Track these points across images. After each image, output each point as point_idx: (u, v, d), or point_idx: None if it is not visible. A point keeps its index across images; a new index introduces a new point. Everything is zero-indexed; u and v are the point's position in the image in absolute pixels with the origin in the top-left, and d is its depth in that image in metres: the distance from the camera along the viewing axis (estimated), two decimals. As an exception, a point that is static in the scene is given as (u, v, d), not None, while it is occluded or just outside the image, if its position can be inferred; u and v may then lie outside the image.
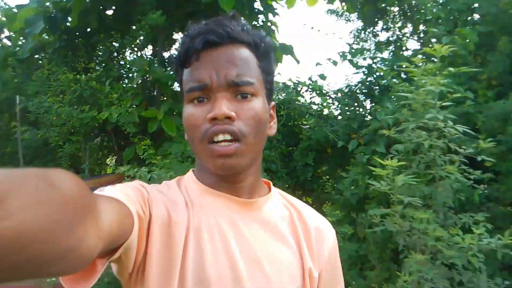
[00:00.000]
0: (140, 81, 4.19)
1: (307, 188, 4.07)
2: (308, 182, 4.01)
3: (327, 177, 4.19)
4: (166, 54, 4.57)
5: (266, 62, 0.68)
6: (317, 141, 3.69)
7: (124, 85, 4.25)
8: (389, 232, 2.09)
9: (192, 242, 0.62)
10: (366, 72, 3.83)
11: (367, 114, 3.58)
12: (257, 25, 4.78)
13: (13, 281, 0.33)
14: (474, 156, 2.06)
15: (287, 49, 5.25)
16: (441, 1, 4.23)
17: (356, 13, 5.93)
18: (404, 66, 2.44)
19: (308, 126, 4.12)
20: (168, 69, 4.23)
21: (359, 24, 6.07)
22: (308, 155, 3.81)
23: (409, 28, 5.41)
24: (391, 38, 5.51)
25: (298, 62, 5.50)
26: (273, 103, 0.73)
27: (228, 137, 0.61)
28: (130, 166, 3.23)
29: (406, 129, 2.10)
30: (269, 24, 5.16)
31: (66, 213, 0.33)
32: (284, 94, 4.23)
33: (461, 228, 1.92)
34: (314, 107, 3.98)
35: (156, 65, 4.06)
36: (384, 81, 3.50)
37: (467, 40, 3.35)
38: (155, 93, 4.45)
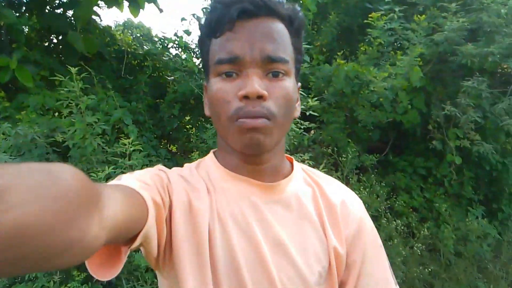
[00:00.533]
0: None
1: (172, 137, 4.42)
2: (174, 132, 4.35)
3: (190, 126, 4.59)
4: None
5: (298, 40, 0.66)
6: (182, 93, 4.00)
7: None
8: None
9: (217, 228, 0.61)
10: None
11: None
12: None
13: (17, 274, 0.32)
14: (305, 111, 2.72)
15: (150, -2, 5.21)
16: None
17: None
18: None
19: (172, 78, 4.37)
20: (20, 13, 3.82)
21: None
22: (174, 107, 4.11)
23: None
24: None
25: (161, 11, 5.50)
26: (299, 84, 0.71)
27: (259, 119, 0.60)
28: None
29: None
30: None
31: (68, 206, 0.33)
32: (150, 45, 4.33)
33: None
34: (180, 61, 4.22)
35: (3, 6, 3.64)
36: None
37: (308, 10, 4.01)
38: (1, 39, 4.00)
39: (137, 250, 0.59)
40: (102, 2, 4.92)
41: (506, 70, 2.59)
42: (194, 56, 4.32)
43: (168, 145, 4.48)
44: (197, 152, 3.24)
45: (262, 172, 0.67)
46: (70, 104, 2.96)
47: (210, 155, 0.72)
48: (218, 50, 0.61)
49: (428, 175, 3.98)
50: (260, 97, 0.58)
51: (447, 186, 3.89)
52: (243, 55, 0.58)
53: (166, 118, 4.14)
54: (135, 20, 7.55)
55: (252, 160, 0.66)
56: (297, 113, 0.70)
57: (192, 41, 4.50)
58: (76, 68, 3.05)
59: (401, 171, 3.96)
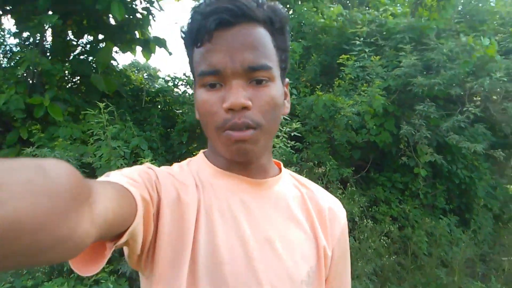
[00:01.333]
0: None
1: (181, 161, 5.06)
2: (182, 157, 4.99)
3: (197, 152, 5.24)
4: (47, 44, 4.86)
5: (281, 39, 0.64)
6: (190, 123, 4.68)
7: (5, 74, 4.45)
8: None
9: (203, 224, 0.61)
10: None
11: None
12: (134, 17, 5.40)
13: (7, 269, 0.32)
14: (291, 132, 3.36)
15: (161, 42, 5.99)
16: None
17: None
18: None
19: (181, 112, 5.07)
20: (51, 58, 4.59)
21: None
22: (183, 135, 4.78)
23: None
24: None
25: (170, 54, 6.30)
26: (287, 80, 0.70)
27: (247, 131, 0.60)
28: (10, 149, 3.64)
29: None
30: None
31: (59, 202, 0.33)
32: (163, 83, 5.06)
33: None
34: (188, 96, 4.94)
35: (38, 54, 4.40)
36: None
37: (294, 52, 4.77)
38: (34, 81, 4.73)
39: None
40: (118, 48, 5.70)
41: (453, 96, 3.24)
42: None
43: (177, 168, 5.11)
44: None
45: (250, 170, 0.68)
46: (98, 132, 3.63)
47: (200, 154, 0.73)
48: (200, 62, 0.61)
49: (405, 188, 4.56)
50: (245, 108, 0.58)
51: (422, 198, 4.47)
52: (224, 67, 0.58)
53: (176, 144, 4.80)
54: (142, 61, 8.38)
55: (240, 161, 0.66)
56: (287, 110, 0.70)
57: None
58: (103, 104, 3.74)
59: (381, 185, 4.54)
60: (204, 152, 0.73)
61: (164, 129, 4.93)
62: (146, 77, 6.39)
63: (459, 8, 3.80)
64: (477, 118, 3.52)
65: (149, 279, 0.61)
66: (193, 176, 0.66)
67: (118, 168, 3.68)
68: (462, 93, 3.22)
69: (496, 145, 4.83)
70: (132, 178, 0.55)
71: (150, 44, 5.76)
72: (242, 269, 0.61)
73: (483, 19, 3.72)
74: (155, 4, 5.38)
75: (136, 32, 5.72)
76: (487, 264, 4.15)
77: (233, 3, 0.59)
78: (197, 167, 0.70)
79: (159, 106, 4.95)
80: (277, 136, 3.22)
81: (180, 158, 5.03)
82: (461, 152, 4.34)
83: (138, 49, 5.82)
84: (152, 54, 6.02)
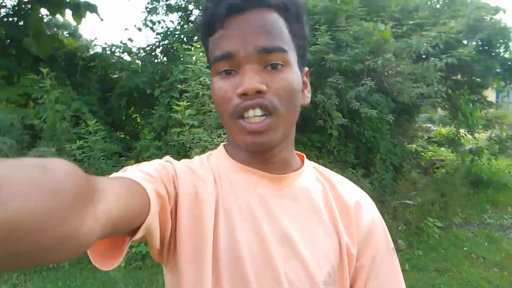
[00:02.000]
0: None
1: (121, 124, 5.34)
2: (122, 120, 5.27)
3: (136, 115, 5.53)
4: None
5: (297, 26, 0.62)
6: (128, 88, 4.94)
7: None
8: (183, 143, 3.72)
9: (222, 220, 0.61)
10: (161, 37, 5.25)
11: (165, 70, 5.05)
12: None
13: (9, 269, 0.32)
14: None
15: (91, 7, 5.97)
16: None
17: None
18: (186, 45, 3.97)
19: (118, 76, 5.29)
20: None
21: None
22: (122, 99, 5.04)
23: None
24: (179, 4, 6.88)
25: (102, 19, 6.34)
26: (306, 69, 0.68)
27: (259, 112, 0.58)
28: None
29: (191, 84, 3.71)
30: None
31: (62, 201, 0.33)
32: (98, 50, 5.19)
33: (219, 136, 3.72)
34: (126, 62, 5.16)
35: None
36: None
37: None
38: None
39: None
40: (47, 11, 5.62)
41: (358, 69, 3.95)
42: (137, 58, 5.28)
43: (118, 131, 5.38)
44: (146, 131, 4.24)
45: (271, 165, 0.65)
46: (43, 96, 3.82)
47: (220, 147, 0.71)
48: (214, 49, 0.60)
49: (322, 146, 5.36)
50: (259, 92, 0.56)
51: (336, 154, 5.32)
52: (236, 51, 0.57)
53: (115, 108, 5.05)
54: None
55: (260, 154, 0.64)
56: (307, 99, 0.68)
57: (135, 47, 5.45)
58: (46, 69, 3.90)
59: (302, 144, 5.29)
60: (224, 145, 0.72)
61: (102, 93, 5.13)
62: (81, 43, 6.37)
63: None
64: (379, 89, 4.30)
65: (173, 272, 0.61)
66: (212, 171, 0.66)
67: (62, 130, 3.93)
68: (363, 68, 3.94)
69: (398, 111, 5.83)
70: (148, 173, 0.55)
71: (81, 9, 5.75)
72: (261, 266, 0.60)
73: (383, 6, 4.46)
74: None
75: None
76: (383, 205, 5.16)
77: None
78: (216, 161, 0.69)
79: (94, 71, 5.10)
80: (213, 102, 3.71)
81: (119, 120, 5.30)
82: (368, 116, 5.21)
83: (68, 12, 5.78)
84: (83, 19, 6.03)
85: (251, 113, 0.57)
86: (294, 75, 0.60)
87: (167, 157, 0.66)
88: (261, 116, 0.58)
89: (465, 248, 3.94)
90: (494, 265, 3.57)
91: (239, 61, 0.58)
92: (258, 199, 0.63)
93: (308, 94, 0.69)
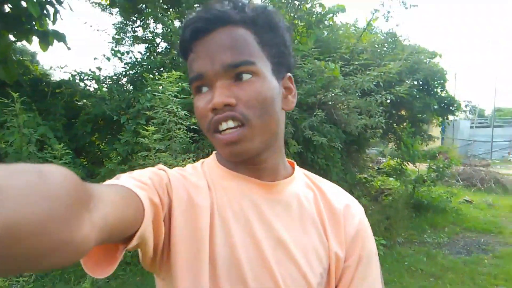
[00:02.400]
0: None
1: (86, 150, 5.44)
2: (86, 146, 5.38)
3: (99, 142, 5.66)
4: None
5: (269, 35, 0.64)
6: (94, 115, 5.11)
7: None
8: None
9: (218, 226, 0.62)
10: (129, 67, 5.52)
11: (132, 98, 5.29)
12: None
13: (5, 275, 0.32)
14: (190, 126, 4.15)
15: (60, 36, 6.13)
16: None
17: (118, 8, 7.01)
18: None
19: (82, 103, 5.44)
20: None
21: (120, 18, 6.91)
22: (87, 126, 5.18)
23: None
24: (146, 36, 7.16)
25: (69, 48, 6.45)
26: (288, 74, 0.69)
27: (231, 123, 0.60)
28: None
29: (158, 111, 3.99)
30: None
31: (58, 207, 0.33)
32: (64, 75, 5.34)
33: (183, 160, 3.97)
34: (94, 90, 5.34)
35: None
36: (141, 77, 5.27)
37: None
38: None
39: None
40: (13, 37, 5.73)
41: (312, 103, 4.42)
42: (104, 86, 5.49)
43: (81, 156, 5.46)
44: (113, 155, 4.40)
45: (260, 171, 0.67)
46: (12, 120, 3.93)
47: (212, 156, 0.73)
48: (189, 71, 0.64)
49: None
50: (228, 105, 0.59)
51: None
52: (206, 71, 0.60)
53: (80, 134, 5.16)
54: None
55: (247, 162, 0.66)
56: (292, 104, 0.69)
57: (102, 75, 5.67)
58: (17, 94, 4.04)
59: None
60: (215, 153, 0.73)
61: (67, 119, 5.25)
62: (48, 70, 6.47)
63: (318, 38, 5.07)
64: (330, 120, 4.79)
65: (166, 281, 0.62)
66: (205, 178, 0.67)
67: (29, 154, 4.02)
68: (315, 101, 4.43)
69: (349, 142, 6.37)
70: (141, 181, 0.56)
71: (49, 37, 5.89)
72: (259, 270, 0.61)
73: (334, 47, 5.07)
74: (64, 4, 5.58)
75: (34, 22, 5.80)
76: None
77: (207, 11, 0.61)
78: (208, 168, 0.70)
79: (60, 98, 5.24)
80: (179, 129, 3.99)
81: (83, 147, 5.39)
82: (321, 145, 5.67)
83: (35, 39, 5.90)
84: (50, 46, 6.15)
85: (224, 125, 0.60)
86: (266, 85, 0.62)
87: (160, 165, 0.67)
88: (234, 128, 0.60)
89: (406, 263, 4.37)
90: (431, 275, 4.01)
91: (210, 80, 0.61)
92: (251, 204, 0.65)
93: (292, 99, 0.70)
